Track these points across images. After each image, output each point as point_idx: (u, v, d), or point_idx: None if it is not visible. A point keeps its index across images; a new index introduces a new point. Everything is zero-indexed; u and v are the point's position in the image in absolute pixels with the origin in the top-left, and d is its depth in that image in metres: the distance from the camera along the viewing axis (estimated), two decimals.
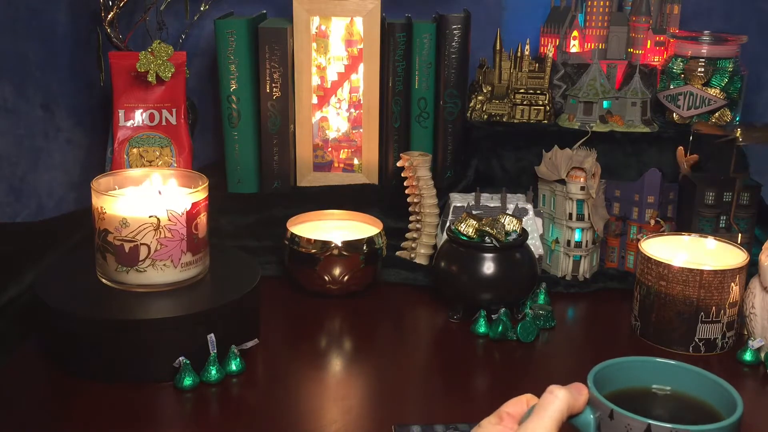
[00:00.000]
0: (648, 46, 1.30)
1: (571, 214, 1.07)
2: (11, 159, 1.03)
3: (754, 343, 0.88)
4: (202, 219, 0.88)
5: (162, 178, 0.92)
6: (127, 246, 0.83)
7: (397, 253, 1.13)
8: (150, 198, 0.87)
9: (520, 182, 1.18)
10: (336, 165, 1.24)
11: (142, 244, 0.83)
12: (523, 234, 0.97)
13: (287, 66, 1.16)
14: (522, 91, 1.23)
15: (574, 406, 0.52)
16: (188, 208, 0.85)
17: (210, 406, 0.79)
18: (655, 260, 0.91)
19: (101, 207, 0.84)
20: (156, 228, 0.83)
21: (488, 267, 0.94)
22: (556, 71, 1.26)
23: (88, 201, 0.88)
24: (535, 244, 1.06)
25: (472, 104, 1.25)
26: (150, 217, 0.83)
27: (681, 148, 1.13)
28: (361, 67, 1.19)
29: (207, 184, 0.89)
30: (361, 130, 1.22)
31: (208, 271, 0.91)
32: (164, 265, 0.85)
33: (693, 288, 0.89)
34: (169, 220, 0.84)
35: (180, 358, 0.80)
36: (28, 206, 1.06)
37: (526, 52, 1.22)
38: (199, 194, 0.87)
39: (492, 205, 1.10)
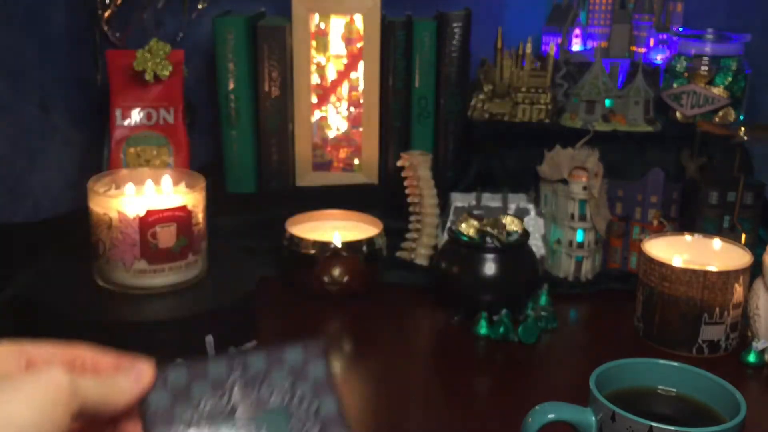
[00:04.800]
0: (651, 44, 1.29)
1: (573, 215, 1.06)
2: (7, 159, 1.02)
3: (758, 345, 0.87)
4: (166, 230, 0.84)
5: (163, 177, 0.90)
6: (93, 237, 0.86)
7: (397, 253, 1.12)
8: (110, 197, 0.86)
9: (521, 182, 1.17)
10: (335, 164, 1.23)
11: (99, 239, 0.85)
12: (525, 234, 0.96)
13: (286, 64, 1.15)
14: (523, 89, 1.22)
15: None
16: (141, 214, 0.83)
17: None
18: (657, 261, 0.90)
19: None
20: (108, 226, 0.83)
21: (489, 268, 0.93)
22: (557, 70, 1.25)
23: (84, 201, 0.87)
24: (536, 245, 1.05)
25: (473, 103, 1.24)
26: (104, 214, 0.83)
27: (687, 150, 1.12)
28: (360, 66, 1.18)
29: (196, 190, 0.86)
30: (361, 129, 1.21)
31: (206, 272, 0.90)
32: (116, 265, 0.85)
33: (696, 289, 0.88)
34: (120, 221, 0.83)
35: (177, 361, 0.79)
36: (25, 206, 1.06)
37: (528, 51, 1.21)
38: (157, 202, 0.84)
39: (493, 205, 1.09)
